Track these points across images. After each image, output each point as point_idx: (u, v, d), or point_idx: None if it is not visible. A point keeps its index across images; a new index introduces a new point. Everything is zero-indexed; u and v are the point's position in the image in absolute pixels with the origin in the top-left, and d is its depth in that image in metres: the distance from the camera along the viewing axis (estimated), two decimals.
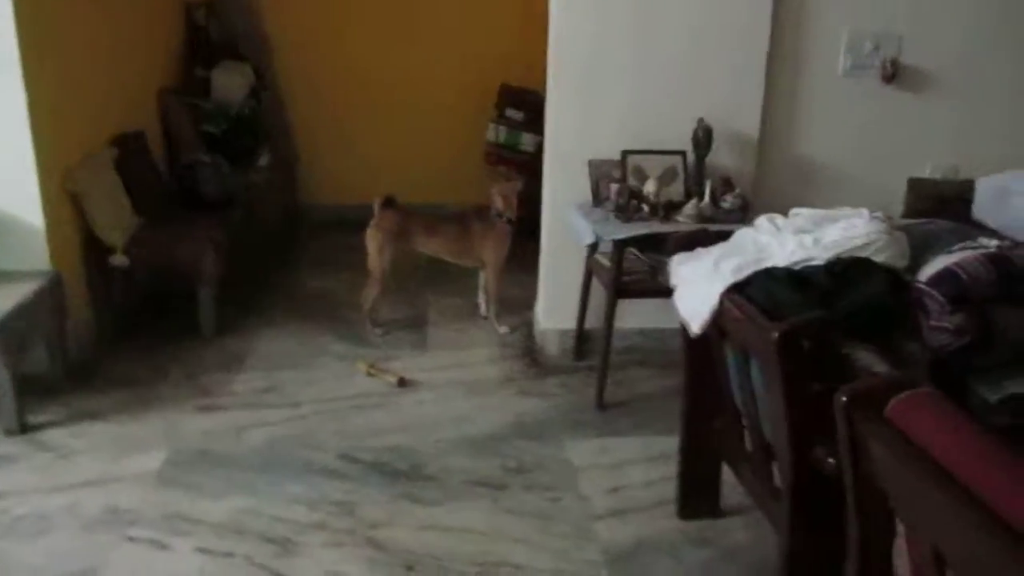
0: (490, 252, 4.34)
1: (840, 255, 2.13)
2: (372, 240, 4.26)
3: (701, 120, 3.75)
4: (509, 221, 4.30)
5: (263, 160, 5.49)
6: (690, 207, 3.56)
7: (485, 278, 4.50)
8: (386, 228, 4.26)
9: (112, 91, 4.54)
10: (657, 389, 3.89)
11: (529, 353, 4.23)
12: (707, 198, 3.63)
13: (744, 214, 3.62)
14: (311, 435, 3.43)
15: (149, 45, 5.21)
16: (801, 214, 2.42)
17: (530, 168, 5.83)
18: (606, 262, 3.67)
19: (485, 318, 4.57)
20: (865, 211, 2.29)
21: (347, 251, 5.01)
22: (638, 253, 3.65)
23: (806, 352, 1.91)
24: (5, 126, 3.58)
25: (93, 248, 4.09)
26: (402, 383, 3.85)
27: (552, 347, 4.19)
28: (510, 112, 5.82)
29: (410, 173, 6.28)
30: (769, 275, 2.13)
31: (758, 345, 2.01)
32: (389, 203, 4.32)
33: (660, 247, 3.51)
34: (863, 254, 2.13)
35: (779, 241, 2.28)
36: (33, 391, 3.58)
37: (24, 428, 3.42)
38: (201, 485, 3.08)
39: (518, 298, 4.73)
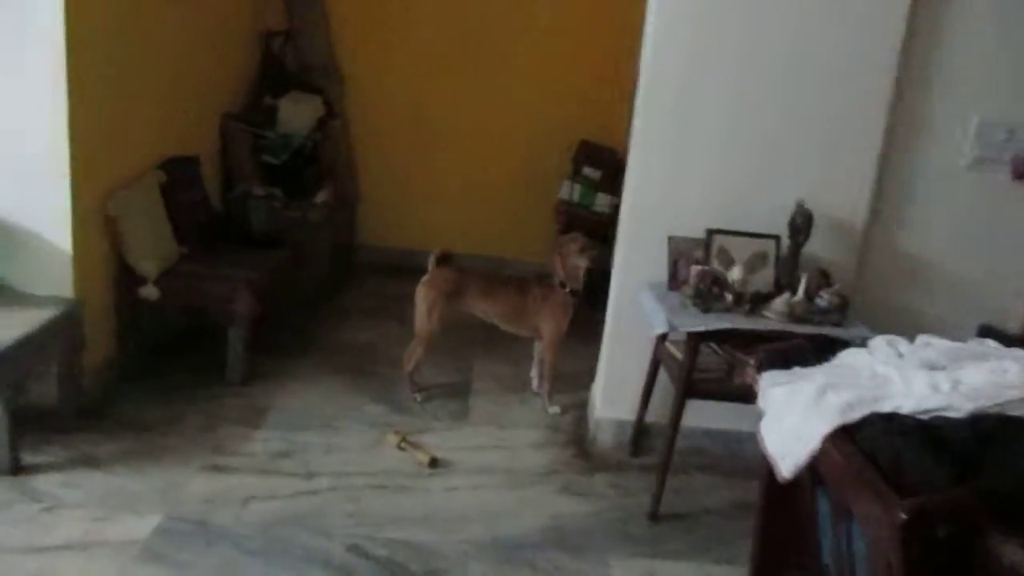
0: (548, 322, 3.93)
1: (987, 409, 1.65)
2: (423, 298, 3.89)
3: (800, 203, 3.30)
4: (573, 293, 3.88)
5: (321, 196, 5.19)
6: (780, 302, 3.09)
7: (541, 350, 4.08)
8: (439, 286, 3.89)
9: (171, 112, 4.31)
10: (721, 503, 3.40)
11: (579, 442, 3.78)
12: (801, 293, 3.16)
13: (842, 315, 3.14)
14: (321, 516, 3.03)
15: (220, 69, 5.00)
16: (932, 344, 1.95)
17: (602, 231, 5.44)
18: (678, 354, 3.22)
19: (536, 394, 4.14)
20: (1020, 352, 1.80)
21: (398, 300, 4.66)
22: (716, 348, 3.18)
23: (940, 541, 1.44)
24: (42, 134, 3.33)
25: (124, 277, 3.81)
26: (434, 463, 3.43)
27: (606, 438, 3.73)
28: (587, 170, 5.44)
29: (474, 224, 5.95)
30: (892, 423, 1.66)
31: (874, 520, 1.54)
32: (445, 259, 3.95)
33: (741, 344, 3.06)
34: (1017, 411, 1.64)
35: (903, 376, 1.80)
36: (38, 426, 3.30)
37: (16, 469, 3.12)
38: (188, 565, 2.70)
39: (574, 374, 4.30)
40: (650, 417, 3.64)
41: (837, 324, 3.10)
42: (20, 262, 3.45)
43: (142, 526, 2.88)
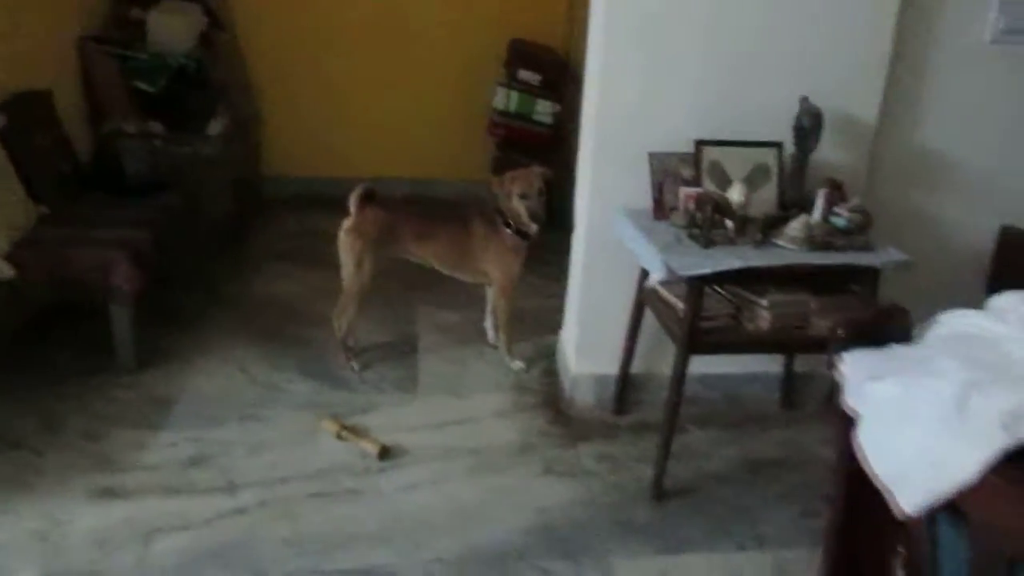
0: (496, 266, 3.28)
1: None
2: (348, 248, 3.19)
3: (806, 100, 2.68)
4: (522, 234, 3.22)
5: (215, 127, 4.35)
6: (797, 227, 2.50)
7: (492, 298, 3.44)
8: (366, 232, 3.18)
9: (6, 36, 3.41)
10: (730, 465, 2.89)
11: (553, 403, 3.19)
12: (818, 212, 2.57)
13: (866, 236, 2.57)
14: (250, 545, 2.40)
15: None
16: None
17: (546, 144, 4.76)
18: (670, 297, 2.62)
19: (494, 347, 3.52)
20: None
21: (316, 238, 3.99)
22: (719, 290, 2.59)
23: None
24: None
25: None
26: (384, 454, 2.81)
27: (585, 397, 3.15)
28: (524, 74, 4.70)
29: (397, 144, 5.22)
30: None
31: None
32: (369, 197, 3.23)
33: (750, 281, 2.48)
34: None
35: None
36: None
37: None
38: None
39: (534, 314, 3.72)
40: (635, 368, 3.07)
41: (865, 247, 2.53)
42: None
43: None
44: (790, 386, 3.19)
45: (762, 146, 2.73)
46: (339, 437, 2.88)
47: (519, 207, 3.14)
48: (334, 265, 3.28)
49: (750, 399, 3.19)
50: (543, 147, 4.81)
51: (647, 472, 2.73)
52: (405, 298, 3.90)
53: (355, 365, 3.33)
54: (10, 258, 3.02)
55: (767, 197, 2.72)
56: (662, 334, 2.74)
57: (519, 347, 3.49)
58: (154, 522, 2.46)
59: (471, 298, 3.85)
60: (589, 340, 3.09)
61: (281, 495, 2.61)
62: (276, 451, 2.82)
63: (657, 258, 2.40)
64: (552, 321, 3.58)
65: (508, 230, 3.21)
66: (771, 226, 2.53)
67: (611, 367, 3.07)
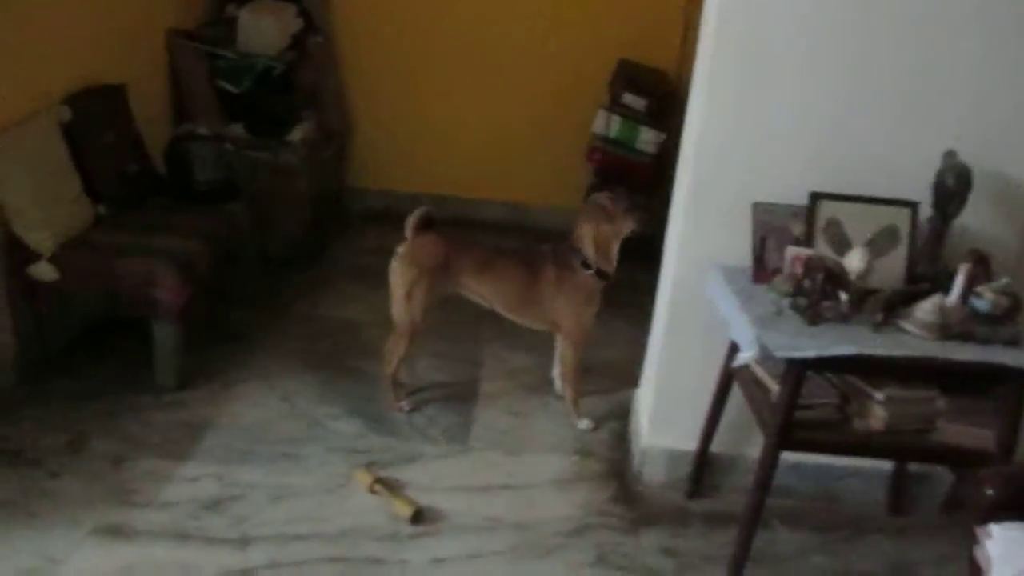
0: (567, 313, 2.92)
1: None
2: (399, 277, 2.89)
3: (952, 155, 2.22)
4: (601, 275, 2.85)
5: (298, 133, 4.16)
6: (929, 308, 2.05)
7: (560, 346, 3.08)
8: (420, 261, 2.88)
9: (89, 26, 3.29)
10: None
11: (619, 475, 2.80)
12: (957, 292, 2.10)
13: (1015, 325, 2.08)
14: None
15: None
16: None
17: (647, 176, 4.37)
18: (764, 375, 2.20)
19: (561, 398, 3.16)
20: None
21: (391, 256, 3.70)
22: (829, 375, 2.15)
23: None
24: None
25: (15, 251, 2.86)
26: (417, 518, 2.49)
27: (655, 473, 2.75)
28: (628, 98, 4.32)
29: (489, 163, 4.91)
30: None
31: None
32: (427, 223, 2.92)
33: (865, 369, 2.04)
34: None
35: None
36: None
37: None
38: None
39: (618, 363, 3.35)
40: (716, 446, 2.65)
41: (1012, 341, 2.05)
42: None
43: None
44: (901, 487, 2.69)
45: (893, 205, 2.28)
46: (372, 491, 2.58)
47: (622, 222, 2.87)
48: None
49: (851, 497, 2.72)
50: (644, 179, 4.42)
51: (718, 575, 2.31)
52: (473, 334, 3.57)
53: (404, 405, 3.03)
54: (56, 260, 2.86)
55: (893, 267, 2.27)
56: (750, 414, 2.31)
57: (590, 401, 3.12)
58: (153, 574, 2.21)
59: (546, 340, 3.49)
60: (666, 409, 2.69)
61: (295, 556, 2.32)
62: (300, 500, 2.54)
63: (750, 332, 2.00)
64: (633, 374, 3.19)
65: (586, 270, 2.85)
66: (897, 304, 2.08)
67: (689, 443, 2.66)
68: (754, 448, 2.61)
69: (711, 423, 2.59)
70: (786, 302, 2.14)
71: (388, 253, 4.42)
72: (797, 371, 1.98)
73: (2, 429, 2.73)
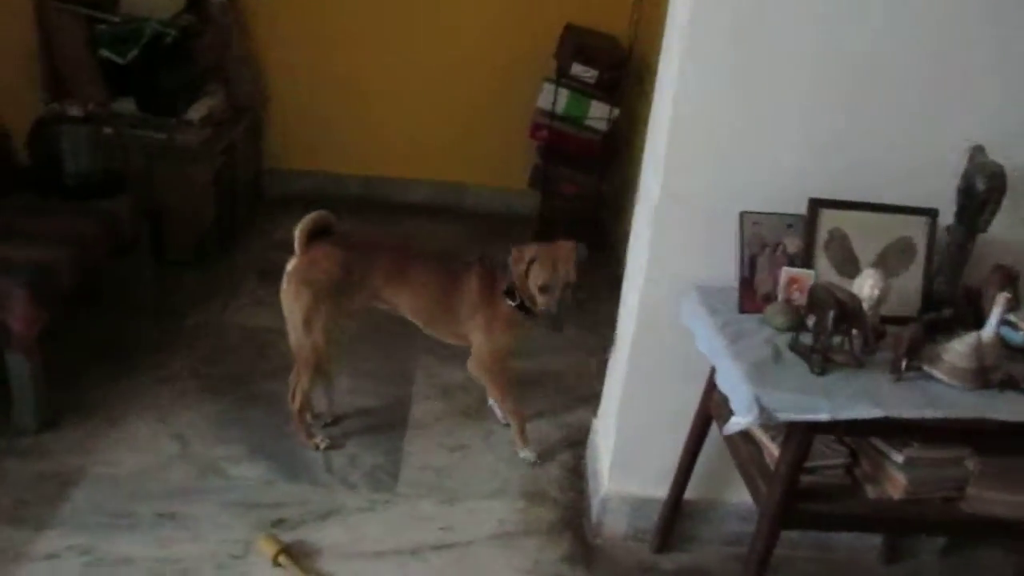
0: (481, 334, 2.46)
1: None
2: (291, 300, 2.40)
3: (980, 152, 1.81)
4: (524, 309, 2.38)
5: (197, 110, 3.59)
6: (962, 352, 1.63)
7: (471, 368, 2.61)
8: (315, 279, 2.37)
9: None
10: None
11: (575, 524, 2.38)
12: (993, 325, 1.70)
13: None
14: None
15: None
16: None
17: (597, 155, 3.93)
18: (759, 435, 1.78)
19: (505, 424, 2.71)
20: None
21: None
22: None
23: None
24: None
25: None
26: None
27: (618, 524, 2.33)
28: (577, 69, 3.83)
29: (422, 138, 4.41)
30: None
31: None
32: (321, 231, 2.41)
33: (880, 430, 1.63)
34: None
35: None
36: None
37: None
38: None
39: (572, 378, 2.97)
40: (689, 491, 2.24)
41: None
42: None
43: None
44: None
45: (907, 213, 1.87)
46: (276, 563, 2.10)
47: (536, 297, 2.32)
48: None
49: (841, 545, 2.33)
50: (593, 158, 3.98)
51: None
52: (403, 344, 3.09)
53: (320, 442, 2.55)
54: None
55: (907, 289, 1.86)
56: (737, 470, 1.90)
57: (536, 425, 2.72)
58: None
59: None
60: (630, 451, 2.26)
61: None
62: None
63: (745, 390, 1.56)
64: (586, 390, 2.78)
65: (509, 301, 2.37)
66: (921, 344, 1.67)
67: (657, 489, 2.25)
68: (734, 493, 2.24)
69: (685, 468, 2.17)
70: (784, 340, 1.71)
71: None
72: (803, 435, 1.56)
73: None
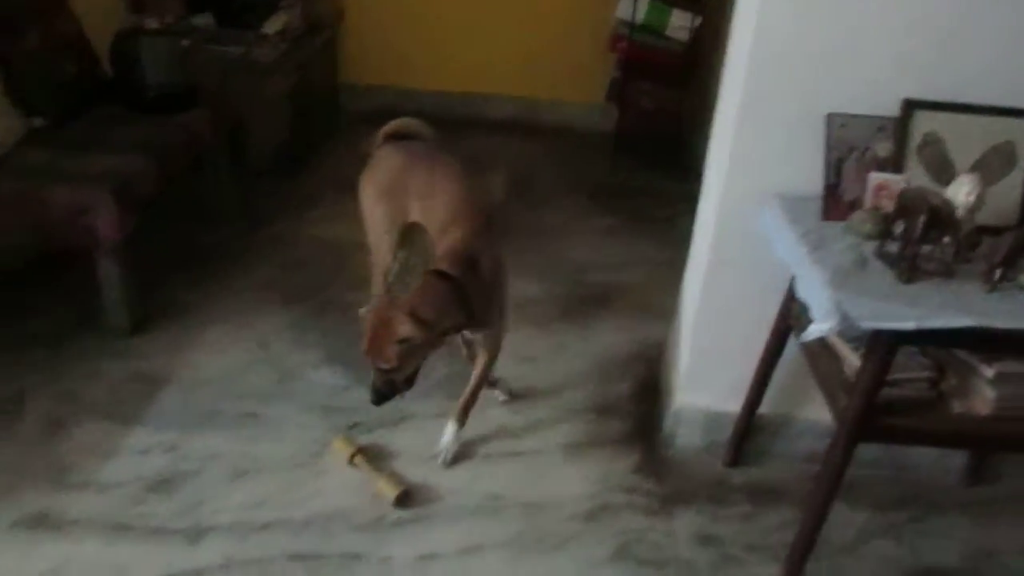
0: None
1: None
2: (360, 195, 2.37)
3: None
4: (443, 275, 1.99)
5: (274, 24, 3.59)
6: None
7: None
8: (377, 179, 2.32)
9: None
10: (885, 572, 2.01)
11: (646, 437, 2.37)
12: None
13: None
14: None
15: None
16: None
17: (678, 67, 3.79)
18: (840, 346, 1.72)
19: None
20: None
21: None
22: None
23: None
24: None
25: None
26: (402, 500, 2.08)
27: (690, 436, 2.31)
28: None
29: (500, 53, 4.32)
30: None
31: None
32: (403, 135, 2.38)
33: (970, 340, 1.56)
34: None
35: None
36: None
37: None
38: None
39: (636, 292, 2.95)
40: (763, 406, 2.20)
41: None
42: None
43: None
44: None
45: (1011, 116, 1.74)
46: (352, 463, 2.17)
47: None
48: None
49: (923, 464, 2.27)
50: (674, 71, 3.84)
51: (768, 573, 1.91)
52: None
53: None
54: None
55: (1006, 198, 1.75)
56: (807, 369, 1.85)
57: (608, 336, 2.70)
58: None
59: (559, 267, 3.06)
60: (705, 364, 2.22)
61: (255, 552, 1.93)
62: (266, 477, 2.14)
63: (826, 296, 1.50)
64: (659, 305, 2.75)
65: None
66: (1019, 253, 1.57)
67: (730, 403, 2.22)
68: (810, 409, 2.20)
69: (759, 382, 2.13)
70: (870, 248, 1.64)
71: None
72: (887, 345, 1.50)
73: None
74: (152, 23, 2.99)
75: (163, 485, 2.09)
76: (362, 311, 1.95)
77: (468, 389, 2.24)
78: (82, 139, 2.66)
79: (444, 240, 2.06)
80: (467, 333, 2.24)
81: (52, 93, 2.75)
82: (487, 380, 2.30)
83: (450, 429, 2.23)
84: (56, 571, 1.85)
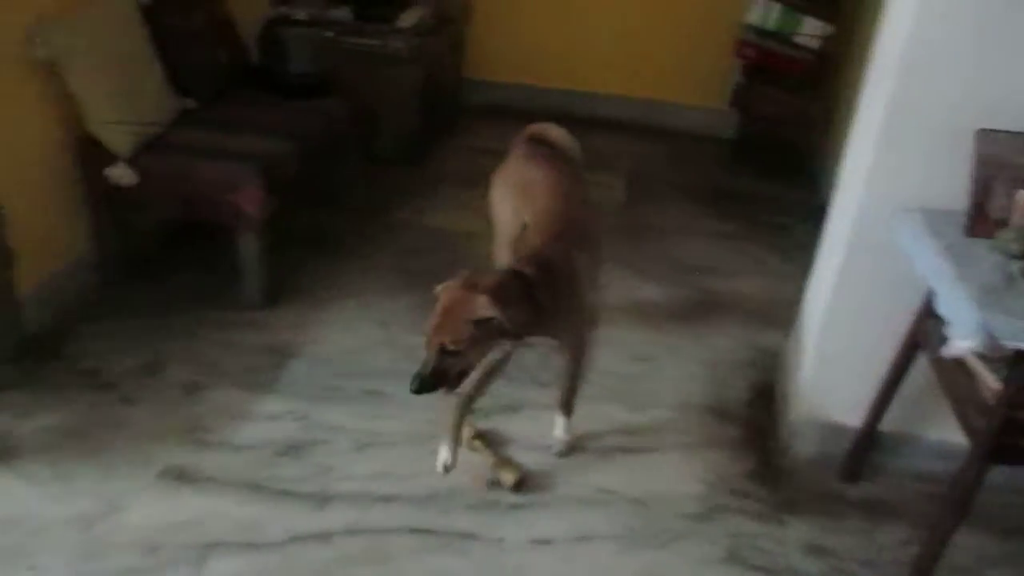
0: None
1: None
2: (493, 188, 2.45)
3: None
4: (517, 273, 1.98)
5: (408, 18, 3.71)
6: None
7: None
8: (501, 178, 2.43)
9: None
10: None
11: (761, 442, 2.36)
12: None
13: None
14: None
15: None
16: None
17: (805, 75, 3.75)
18: (976, 365, 1.68)
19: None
20: None
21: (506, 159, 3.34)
22: None
23: None
24: None
25: (93, 151, 2.59)
26: (520, 485, 2.14)
27: (806, 447, 2.29)
28: None
29: (622, 53, 4.36)
30: None
31: None
32: (540, 140, 2.47)
33: None
34: None
35: None
36: None
37: None
38: None
39: (752, 300, 2.95)
40: (884, 423, 2.17)
41: None
42: None
43: None
44: None
45: None
46: (470, 447, 2.24)
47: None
48: None
49: None
50: (800, 78, 3.78)
51: None
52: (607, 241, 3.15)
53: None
54: (134, 162, 2.57)
55: None
56: (934, 388, 1.82)
57: (723, 341, 2.70)
58: (219, 531, 1.96)
59: (679, 267, 3.08)
60: (828, 375, 2.21)
61: (376, 523, 2.02)
62: (388, 451, 2.23)
63: (970, 313, 1.48)
64: (774, 314, 2.75)
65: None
66: None
67: (849, 416, 2.19)
68: (933, 428, 2.15)
69: (884, 397, 2.10)
70: (1017, 266, 1.60)
71: (502, 155, 4.01)
72: None
73: (80, 344, 2.53)
74: (299, 14, 3.13)
75: (292, 451, 2.21)
76: (438, 288, 1.90)
77: (564, 386, 2.23)
78: (230, 121, 2.82)
79: (531, 243, 2.09)
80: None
81: (206, 76, 2.92)
82: (581, 377, 2.25)
83: (560, 422, 2.27)
84: (194, 521, 1.98)
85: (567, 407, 2.27)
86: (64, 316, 2.61)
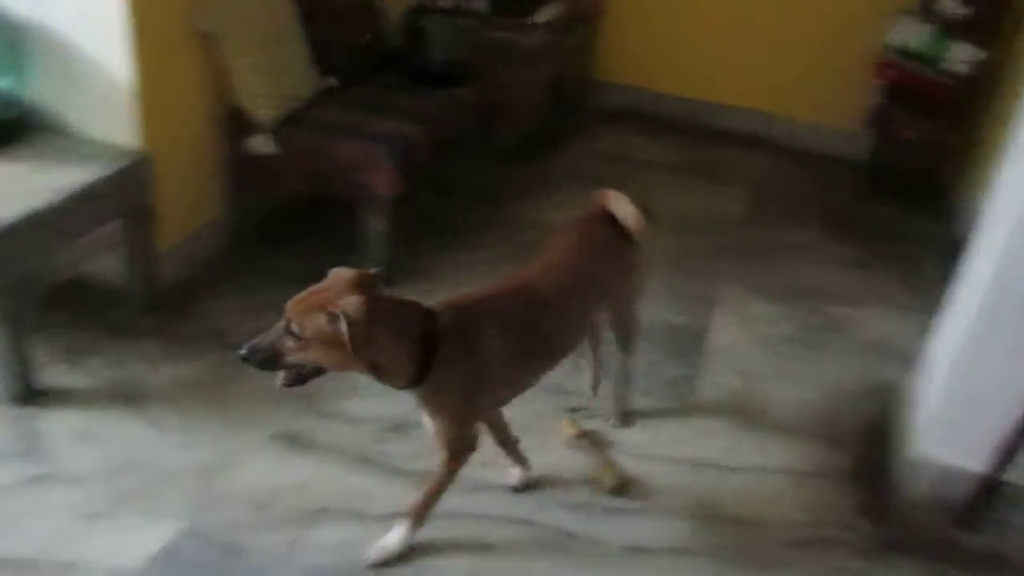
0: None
1: None
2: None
3: None
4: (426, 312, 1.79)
5: (546, 13, 3.73)
6: None
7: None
8: (560, 236, 2.19)
9: None
10: None
11: (870, 478, 2.28)
12: None
13: None
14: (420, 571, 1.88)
15: None
16: None
17: (950, 102, 3.58)
18: None
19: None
20: None
21: (628, 166, 3.40)
22: None
23: None
24: None
25: (234, 121, 2.71)
26: (621, 490, 2.13)
27: (921, 488, 2.20)
28: (947, 2, 3.48)
29: (754, 65, 4.26)
30: None
31: None
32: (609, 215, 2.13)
33: None
34: None
35: None
36: (92, 322, 2.48)
37: (29, 395, 2.21)
38: None
39: (869, 330, 2.80)
40: (1013, 474, 2.07)
41: None
42: (79, 94, 2.42)
43: (145, 542, 1.88)
44: None
45: None
46: (576, 444, 2.24)
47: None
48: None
49: None
50: (944, 104, 3.62)
51: None
52: (709, 268, 3.11)
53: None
54: (276, 134, 2.67)
55: None
56: None
57: (837, 372, 2.61)
58: (326, 498, 2.04)
59: (796, 289, 3.01)
60: (954, 416, 2.11)
61: (476, 507, 2.05)
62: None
63: None
64: (893, 348, 2.65)
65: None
66: None
67: (970, 461, 2.10)
68: None
69: (1011, 446, 2.00)
70: None
71: (623, 160, 4.01)
72: None
73: (210, 303, 2.65)
74: (443, 2, 3.19)
75: (401, 428, 2.26)
76: (336, 269, 1.72)
77: (424, 489, 1.89)
78: (368, 101, 2.90)
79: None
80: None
81: (349, 57, 3.00)
82: (444, 488, 1.89)
83: (397, 530, 1.89)
84: (303, 486, 2.06)
85: (417, 513, 1.90)
86: (196, 275, 2.73)
